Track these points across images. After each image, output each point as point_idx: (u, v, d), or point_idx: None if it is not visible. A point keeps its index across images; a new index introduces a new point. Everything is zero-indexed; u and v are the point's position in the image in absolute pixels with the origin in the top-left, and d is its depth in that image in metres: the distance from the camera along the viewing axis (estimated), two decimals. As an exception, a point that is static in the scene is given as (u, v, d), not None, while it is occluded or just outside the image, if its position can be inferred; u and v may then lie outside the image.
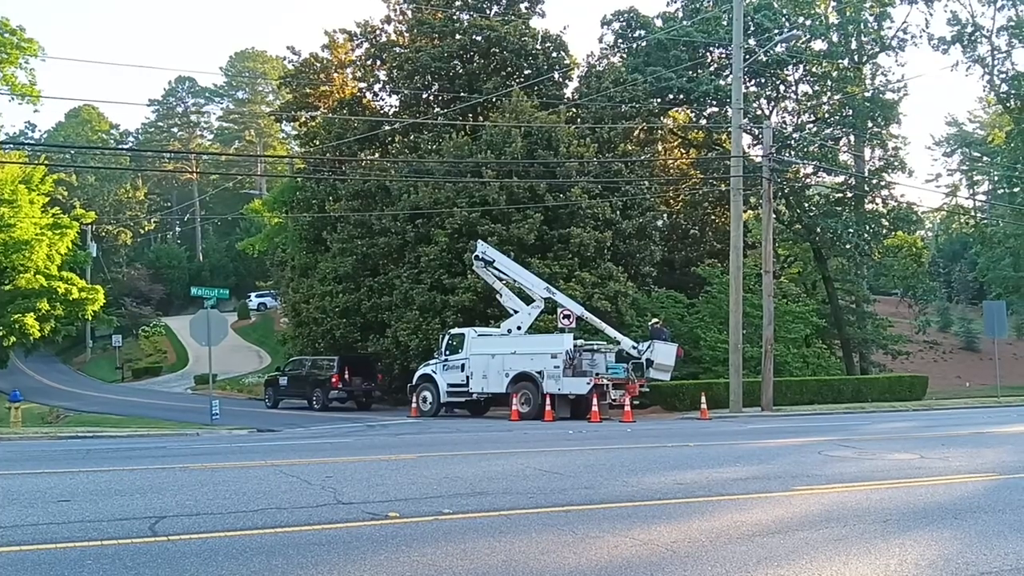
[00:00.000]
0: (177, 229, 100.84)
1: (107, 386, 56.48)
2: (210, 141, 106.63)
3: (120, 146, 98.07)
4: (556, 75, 40.63)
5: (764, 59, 39.45)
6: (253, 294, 76.98)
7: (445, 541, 7.15)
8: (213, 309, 30.48)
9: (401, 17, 42.55)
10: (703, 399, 26.84)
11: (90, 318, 55.84)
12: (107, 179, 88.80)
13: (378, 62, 42.53)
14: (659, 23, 43.76)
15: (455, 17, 40.81)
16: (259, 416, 30.07)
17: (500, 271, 29.31)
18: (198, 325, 27.52)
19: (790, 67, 42.79)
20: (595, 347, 27.16)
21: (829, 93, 43.97)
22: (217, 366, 37.59)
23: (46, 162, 50.79)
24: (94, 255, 70.91)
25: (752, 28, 39.92)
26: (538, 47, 40.05)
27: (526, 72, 39.78)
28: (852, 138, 44.71)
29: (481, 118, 38.59)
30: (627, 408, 24.93)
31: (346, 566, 6.31)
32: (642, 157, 39.63)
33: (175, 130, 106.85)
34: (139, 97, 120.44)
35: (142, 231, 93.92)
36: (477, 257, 29.67)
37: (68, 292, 48.60)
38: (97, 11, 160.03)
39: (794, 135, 42.72)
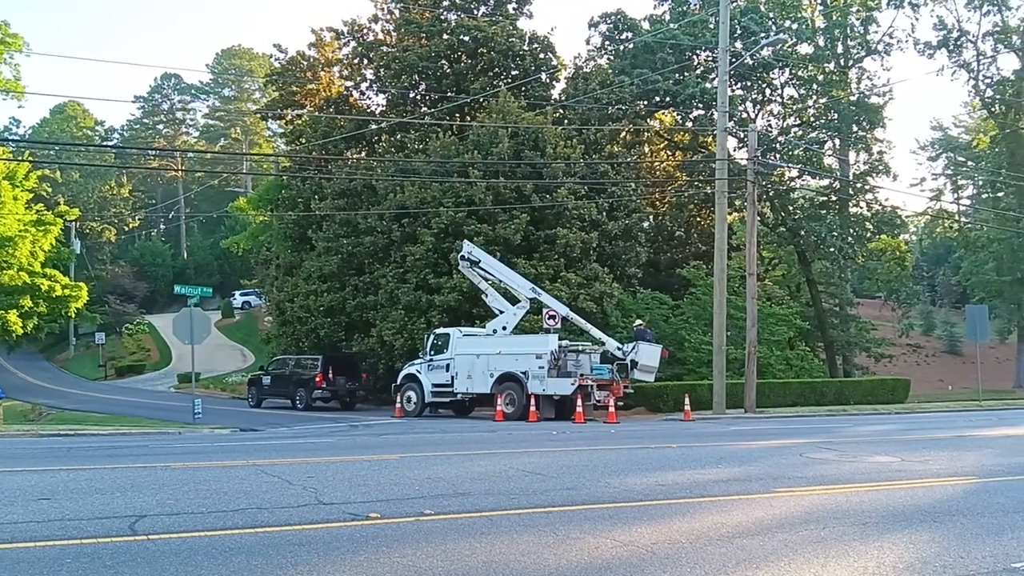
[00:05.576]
0: (162, 227, 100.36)
1: (90, 384, 56.16)
2: (196, 138, 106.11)
3: (105, 143, 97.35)
4: (543, 76, 40.64)
5: (750, 62, 39.58)
6: (237, 292, 76.69)
7: (426, 542, 7.16)
8: (196, 307, 30.42)
9: (388, 16, 42.49)
10: (687, 400, 26.91)
11: (73, 315, 55.65)
12: (92, 176, 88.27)
13: (365, 61, 42.43)
14: (646, 25, 43.83)
15: (443, 17, 40.76)
16: (242, 415, 29.96)
17: (486, 271, 29.30)
18: (181, 323, 27.44)
19: (776, 70, 42.92)
20: (580, 348, 27.20)
21: (815, 97, 44.11)
22: (200, 365, 37.55)
23: (30, 158, 50.61)
24: (78, 252, 70.65)
25: (738, 31, 40.01)
26: (525, 48, 40.06)
27: (513, 73, 39.78)
28: (837, 142, 44.93)
29: (468, 118, 38.56)
30: (611, 409, 24.97)
31: (326, 567, 6.31)
32: (628, 159, 39.66)
33: (160, 127, 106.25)
34: (124, 94, 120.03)
35: (126, 228, 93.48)
36: (463, 257, 29.65)
37: (51, 289, 48.39)
38: (83, 7, 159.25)
39: (779, 138, 42.84)
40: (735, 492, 10.05)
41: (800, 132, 43.81)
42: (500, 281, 29.24)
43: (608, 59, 44.09)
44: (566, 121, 38.39)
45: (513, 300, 28.85)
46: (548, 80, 41.60)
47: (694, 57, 42.59)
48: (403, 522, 7.99)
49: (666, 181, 44.84)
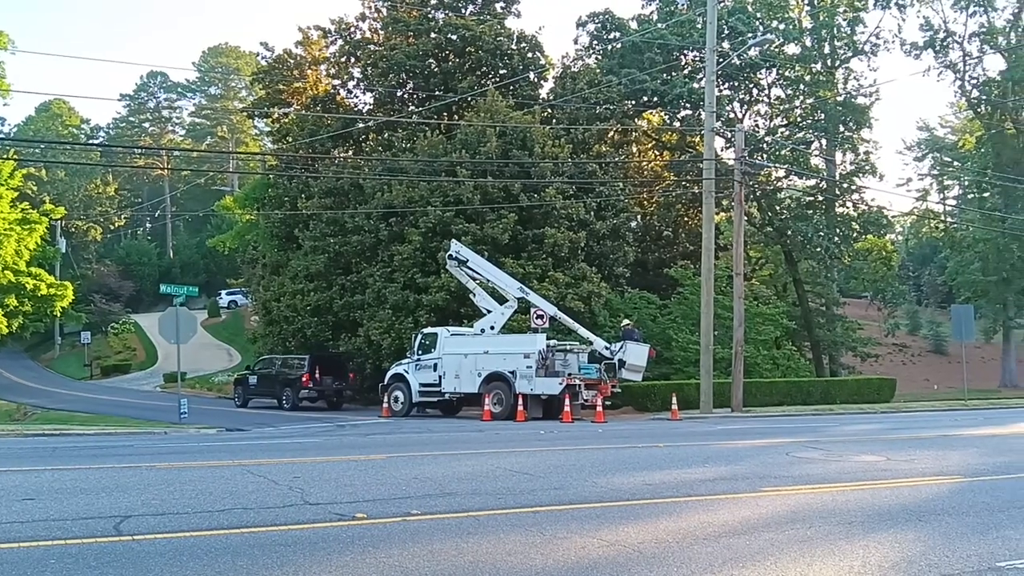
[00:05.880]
0: (148, 225, 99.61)
1: (75, 383, 55.78)
2: (182, 137, 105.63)
3: (91, 141, 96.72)
4: (531, 75, 40.63)
5: (737, 63, 39.68)
6: (223, 292, 76.30)
7: (412, 542, 7.14)
8: (182, 307, 30.30)
9: (376, 15, 42.40)
10: (674, 400, 26.94)
11: (59, 315, 55.33)
12: (77, 174, 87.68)
13: (352, 59, 42.33)
14: (634, 25, 43.89)
15: (430, 16, 40.69)
16: (228, 415, 29.83)
17: (474, 270, 29.27)
18: (167, 323, 27.31)
19: (763, 71, 43.05)
20: (568, 347, 27.18)
21: (802, 97, 44.28)
22: (186, 364, 37.31)
23: (15, 156, 50.25)
24: (63, 251, 70.25)
25: (726, 32, 40.11)
26: (513, 47, 40.04)
27: (501, 72, 39.75)
28: (824, 142, 45.09)
29: (456, 117, 38.52)
30: (599, 408, 24.98)
31: (312, 567, 6.28)
32: (616, 158, 39.70)
33: (146, 125, 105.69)
34: (110, 92, 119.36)
35: (112, 227, 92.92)
36: (451, 256, 29.59)
37: (37, 288, 48.13)
38: (68, 4, 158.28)
39: (766, 138, 42.99)
40: (722, 491, 10.07)
41: (787, 132, 43.97)
42: (488, 280, 29.21)
43: (596, 59, 44.14)
44: (554, 120, 38.39)
45: (501, 299, 28.81)
46: (536, 79, 41.61)
47: (682, 57, 42.67)
48: (390, 522, 7.97)
49: (654, 181, 44.91)
